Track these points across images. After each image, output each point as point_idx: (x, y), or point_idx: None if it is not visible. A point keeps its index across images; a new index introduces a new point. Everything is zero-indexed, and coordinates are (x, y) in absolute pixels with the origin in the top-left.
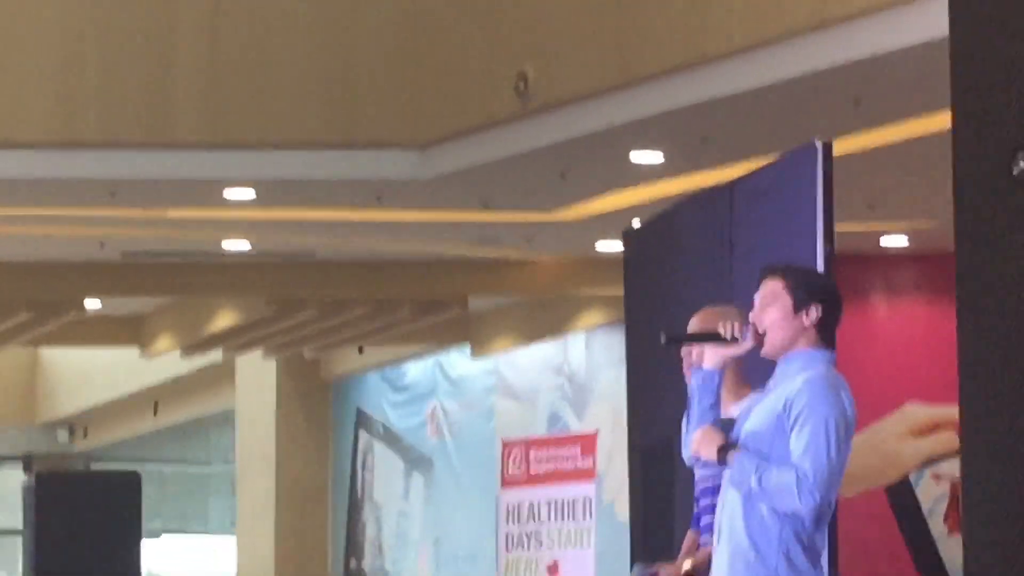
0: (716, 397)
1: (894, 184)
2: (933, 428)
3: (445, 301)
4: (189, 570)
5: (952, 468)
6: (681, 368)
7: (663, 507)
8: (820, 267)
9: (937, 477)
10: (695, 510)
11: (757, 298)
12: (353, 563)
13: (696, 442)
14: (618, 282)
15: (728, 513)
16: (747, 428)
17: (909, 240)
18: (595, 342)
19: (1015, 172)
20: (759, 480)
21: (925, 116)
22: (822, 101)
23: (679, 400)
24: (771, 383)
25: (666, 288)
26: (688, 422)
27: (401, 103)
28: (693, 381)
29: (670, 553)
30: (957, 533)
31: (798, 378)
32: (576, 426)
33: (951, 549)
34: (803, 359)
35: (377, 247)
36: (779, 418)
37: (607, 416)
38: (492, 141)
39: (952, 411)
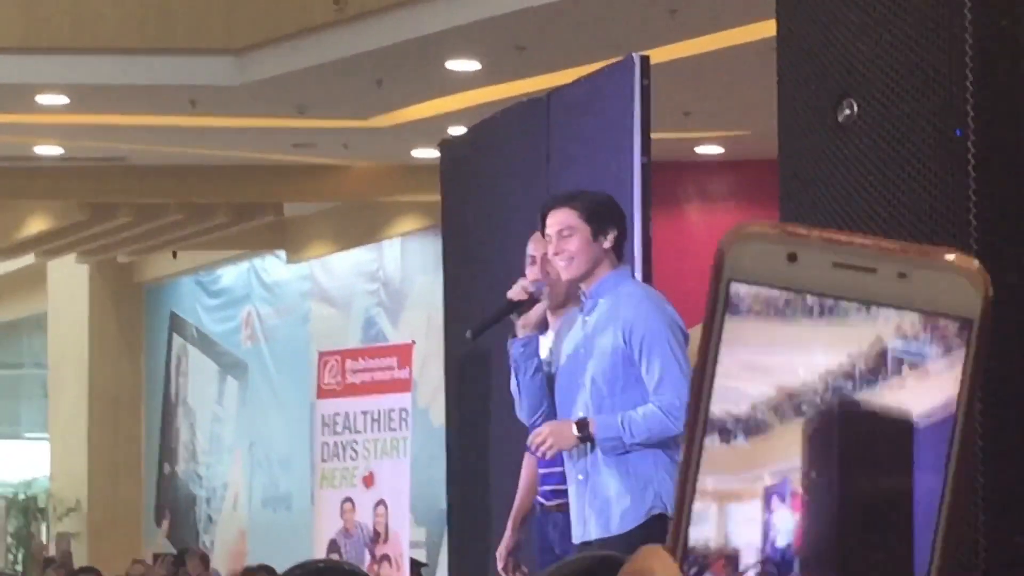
0: (538, 360)
1: (709, 93)
2: None
3: (260, 206)
4: (0, 475)
5: None
6: (497, 276)
7: (478, 419)
8: (637, 179)
9: None
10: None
11: (551, 229)
12: (167, 467)
13: (548, 443)
14: (433, 189)
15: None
16: (593, 369)
17: (724, 148)
18: (410, 248)
19: (840, 119)
20: (630, 430)
21: (740, 26)
22: (638, 11)
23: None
24: (587, 315)
25: (483, 199)
26: (519, 393)
27: (216, 8)
28: (514, 352)
29: (484, 464)
30: None
31: (623, 307)
32: (391, 332)
33: None
34: (612, 283)
35: (192, 152)
36: (622, 353)
37: (421, 322)
38: (308, 47)
39: None
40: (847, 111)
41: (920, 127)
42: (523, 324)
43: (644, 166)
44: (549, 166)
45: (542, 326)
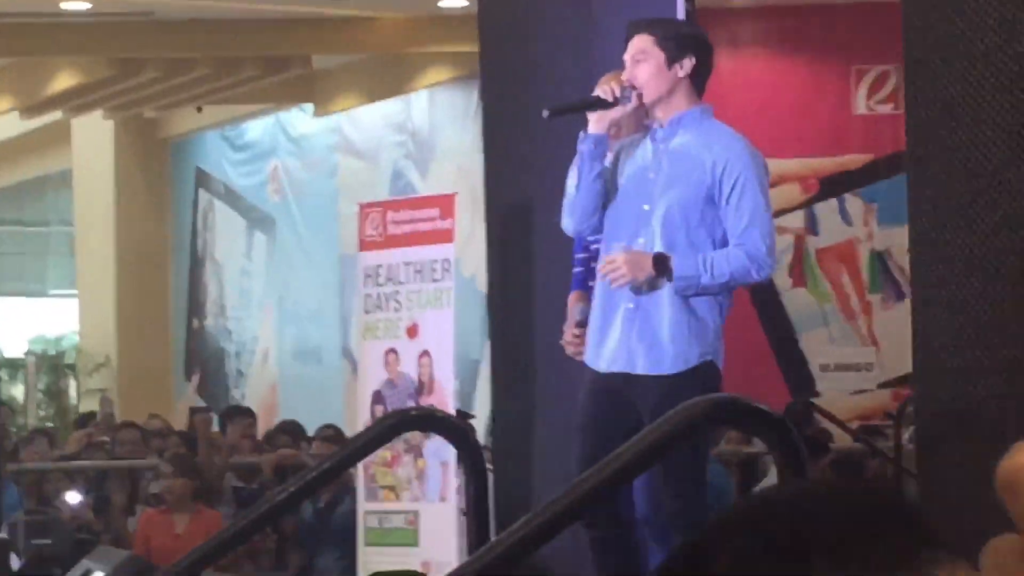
0: (603, 163)
1: None
2: (777, 181)
3: (288, 60)
4: (30, 332)
5: (795, 220)
6: (541, 132)
7: (521, 269)
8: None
9: (781, 230)
10: (577, 271)
11: (627, 56)
12: (195, 322)
13: (621, 271)
14: (462, 39)
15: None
16: (670, 199)
17: None
18: (438, 100)
19: None
20: (711, 271)
21: None
22: None
23: (540, 164)
24: (663, 142)
25: (526, 46)
26: (577, 192)
27: None
28: (585, 147)
29: (528, 315)
30: (800, 285)
31: (715, 143)
32: (420, 184)
33: (793, 300)
34: (695, 116)
35: (220, 6)
36: (707, 188)
37: (451, 174)
38: None
39: (793, 164)
40: None
41: None
42: (598, 119)
43: (689, 13)
44: (593, 20)
45: (615, 132)
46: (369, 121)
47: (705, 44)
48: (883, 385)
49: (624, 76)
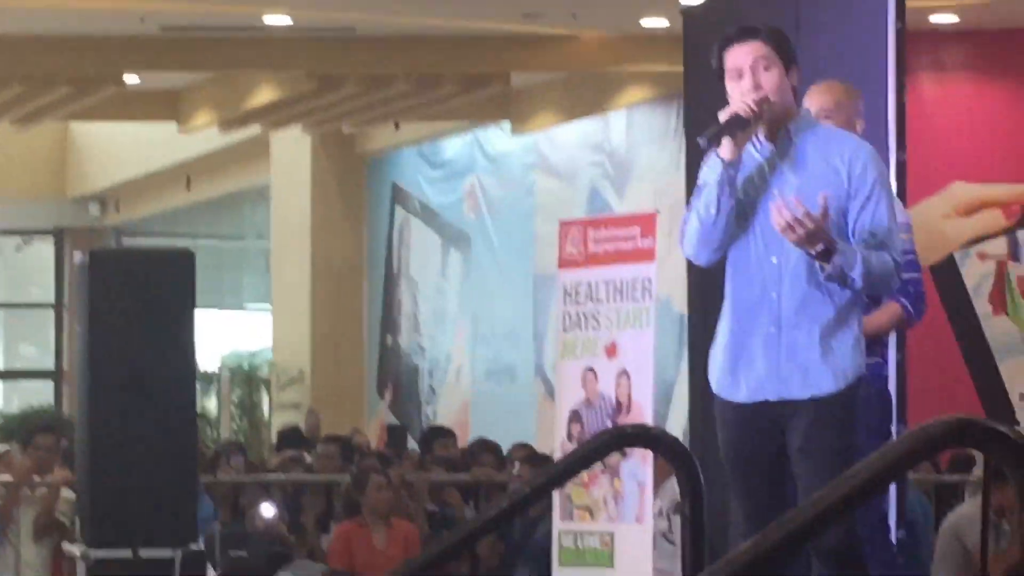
0: (737, 188)
1: None
2: (979, 207)
3: (487, 77)
4: (224, 346)
5: (997, 247)
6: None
7: (722, 289)
8: (891, 45)
9: (983, 256)
10: None
11: (744, 60)
12: (389, 339)
13: (802, 223)
14: (661, 59)
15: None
16: (805, 204)
17: (959, 17)
18: (636, 119)
19: None
20: (864, 270)
21: None
22: None
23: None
24: (779, 157)
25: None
26: (717, 217)
27: None
28: (723, 174)
29: None
30: (1001, 312)
31: (843, 146)
32: (616, 203)
33: (994, 328)
34: (807, 122)
35: (421, 23)
36: (845, 195)
37: (648, 194)
38: None
39: (996, 189)
40: None
41: None
42: (732, 142)
43: (899, 32)
44: (799, 33)
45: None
46: (566, 140)
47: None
48: None
49: (747, 86)
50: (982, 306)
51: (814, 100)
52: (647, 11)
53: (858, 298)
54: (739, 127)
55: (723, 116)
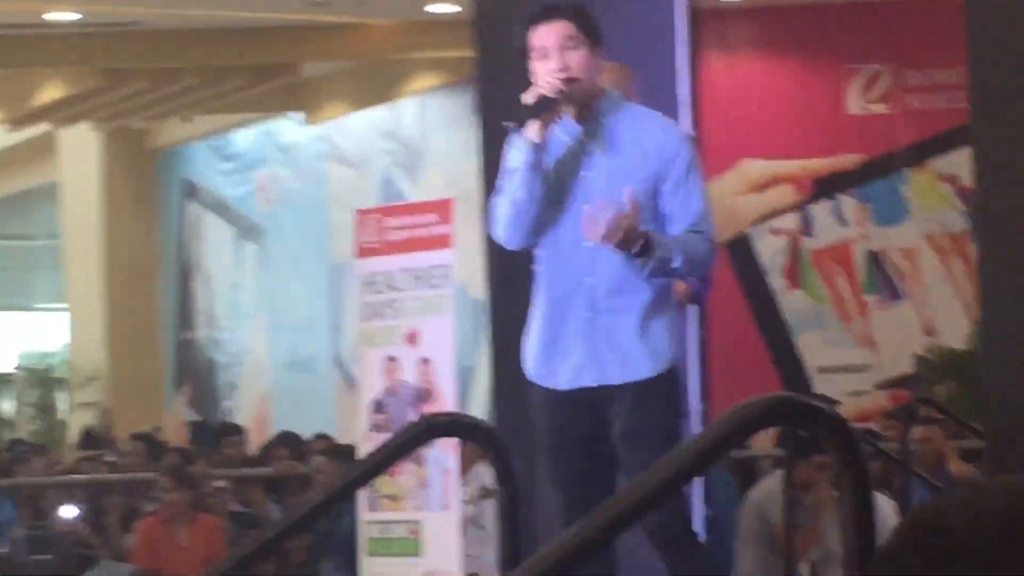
0: (544, 169)
1: None
2: (771, 183)
3: (277, 68)
4: (19, 347)
5: (790, 222)
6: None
7: (520, 274)
8: (680, 25)
9: (776, 232)
10: None
11: (551, 42)
12: (185, 334)
13: (610, 225)
14: (451, 45)
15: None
16: (615, 188)
17: None
18: (428, 106)
19: None
20: (684, 257)
21: None
22: None
23: None
24: (586, 136)
25: (522, 56)
26: (528, 200)
27: None
28: (529, 157)
29: (527, 323)
30: (796, 286)
31: (652, 128)
32: (410, 191)
33: (789, 302)
34: (615, 102)
35: (207, 15)
36: (654, 177)
37: (440, 180)
38: None
39: (787, 165)
40: None
41: None
42: (538, 124)
43: (689, 13)
44: (591, 7)
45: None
46: (358, 129)
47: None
48: (880, 386)
49: (554, 66)
50: (777, 281)
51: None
52: None
53: (673, 280)
54: (546, 108)
55: (529, 97)
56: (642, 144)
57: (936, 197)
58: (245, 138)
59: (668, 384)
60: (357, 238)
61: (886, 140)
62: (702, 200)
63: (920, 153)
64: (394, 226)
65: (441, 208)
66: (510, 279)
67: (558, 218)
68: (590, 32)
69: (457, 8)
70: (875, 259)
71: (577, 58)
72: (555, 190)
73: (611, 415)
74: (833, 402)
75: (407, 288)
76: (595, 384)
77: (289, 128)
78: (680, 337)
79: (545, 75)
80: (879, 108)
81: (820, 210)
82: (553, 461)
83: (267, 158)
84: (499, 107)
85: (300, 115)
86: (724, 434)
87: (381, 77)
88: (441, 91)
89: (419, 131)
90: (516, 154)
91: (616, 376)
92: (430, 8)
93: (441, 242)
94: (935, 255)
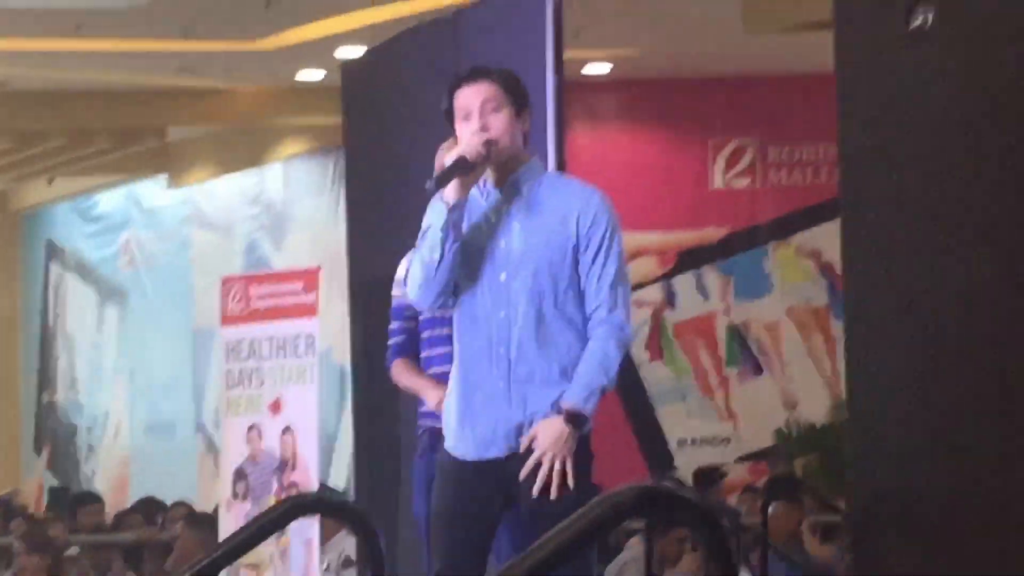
0: (462, 232)
1: (599, 12)
2: (635, 255)
3: (142, 131)
4: None
5: (653, 294)
6: (405, 201)
7: (385, 342)
8: (551, 98)
9: (639, 304)
10: (399, 339)
11: (472, 101)
12: (46, 396)
13: (548, 442)
14: (318, 111)
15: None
16: (534, 265)
17: (612, 67)
18: (293, 172)
19: (912, 27)
20: (611, 376)
21: None
22: None
23: (404, 236)
24: (508, 203)
25: (389, 123)
26: (440, 265)
27: None
28: (449, 217)
29: (392, 391)
30: (658, 358)
31: (572, 197)
32: (274, 256)
33: (651, 373)
34: (537, 170)
35: (76, 78)
36: (572, 247)
37: (305, 246)
38: None
39: (651, 237)
40: (920, 19)
41: (1008, 34)
42: (458, 185)
43: (557, 85)
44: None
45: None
46: (223, 193)
47: (529, 99)
48: (741, 459)
49: (474, 128)
50: (639, 353)
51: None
52: (303, 64)
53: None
54: (465, 170)
55: (449, 159)
56: (561, 213)
57: (798, 272)
58: (109, 200)
59: (582, 457)
60: (222, 305)
61: (749, 214)
62: (616, 274)
63: (783, 228)
64: (260, 294)
65: (307, 277)
66: (375, 347)
67: (473, 283)
68: (514, 95)
69: (323, 75)
70: (737, 333)
71: (498, 120)
72: (470, 255)
73: (522, 488)
74: (718, 472)
75: (271, 356)
76: (504, 455)
77: (153, 191)
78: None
79: (466, 137)
80: (743, 182)
81: (683, 283)
82: (442, 530)
83: (131, 221)
84: (365, 174)
85: (164, 178)
86: (591, 526)
87: (247, 142)
88: (308, 157)
89: (284, 197)
90: (433, 215)
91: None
92: (300, 75)
93: (306, 311)
94: (796, 329)
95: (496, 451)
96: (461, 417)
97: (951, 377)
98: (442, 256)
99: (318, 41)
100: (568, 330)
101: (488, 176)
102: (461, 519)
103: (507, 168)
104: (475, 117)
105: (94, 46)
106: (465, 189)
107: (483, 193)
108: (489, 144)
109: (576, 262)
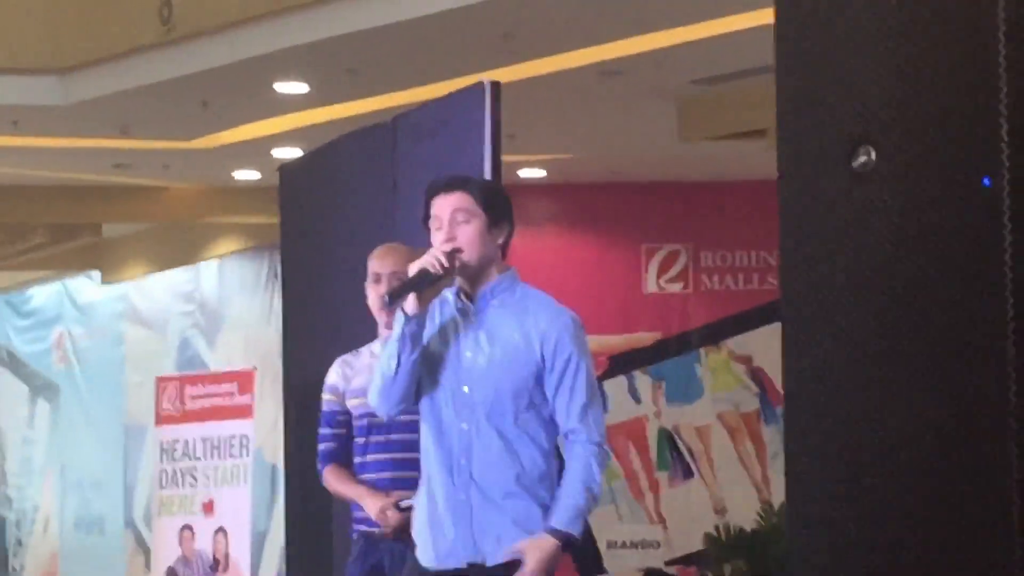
0: (422, 343)
1: (535, 117)
2: None
3: (77, 227)
4: None
5: None
6: (341, 303)
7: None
8: None
9: None
10: (328, 446)
11: (445, 213)
12: None
13: (538, 563)
14: (253, 211)
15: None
16: (495, 382)
17: (546, 172)
18: (228, 270)
19: (855, 166)
20: (596, 496)
21: (572, 51)
22: (472, 34)
23: (341, 337)
24: (475, 316)
25: (326, 225)
26: (397, 375)
27: (41, 27)
28: (406, 329)
29: (326, 496)
30: None
31: (540, 315)
32: (207, 355)
33: None
34: (508, 283)
35: (10, 173)
36: (536, 366)
37: (239, 344)
38: (134, 68)
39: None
40: (863, 158)
41: (947, 175)
42: (418, 297)
43: None
44: (396, 191)
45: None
46: (157, 290)
47: (512, 212)
48: (670, 563)
49: (443, 237)
50: None
51: (373, 263)
52: (239, 164)
53: (549, 464)
54: (424, 283)
55: (412, 269)
56: (527, 332)
57: (729, 377)
58: (42, 295)
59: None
60: (157, 405)
61: (682, 319)
62: (587, 397)
63: (715, 333)
64: (195, 395)
65: (243, 379)
66: (308, 447)
67: (434, 390)
68: (489, 206)
69: (259, 175)
70: (668, 437)
71: (467, 232)
72: (434, 362)
73: None
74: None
75: (205, 457)
76: (467, 564)
77: (87, 286)
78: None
79: (434, 247)
80: (675, 287)
81: (615, 386)
82: None
83: (64, 316)
84: (300, 274)
85: (97, 274)
86: None
87: (182, 239)
88: (242, 255)
89: (218, 294)
90: (396, 325)
91: (490, 557)
92: (236, 174)
93: (241, 412)
94: (727, 434)
95: (454, 562)
96: (427, 525)
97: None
98: (399, 365)
99: (254, 142)
100: (531, 446)
101: (453, 287)
102: None
103: (477, 280)
104: (444, 227)
105: (30, 142)
106: (424, 301)
107: (446, 305)
108: (452, 256)
109: (541, 382)
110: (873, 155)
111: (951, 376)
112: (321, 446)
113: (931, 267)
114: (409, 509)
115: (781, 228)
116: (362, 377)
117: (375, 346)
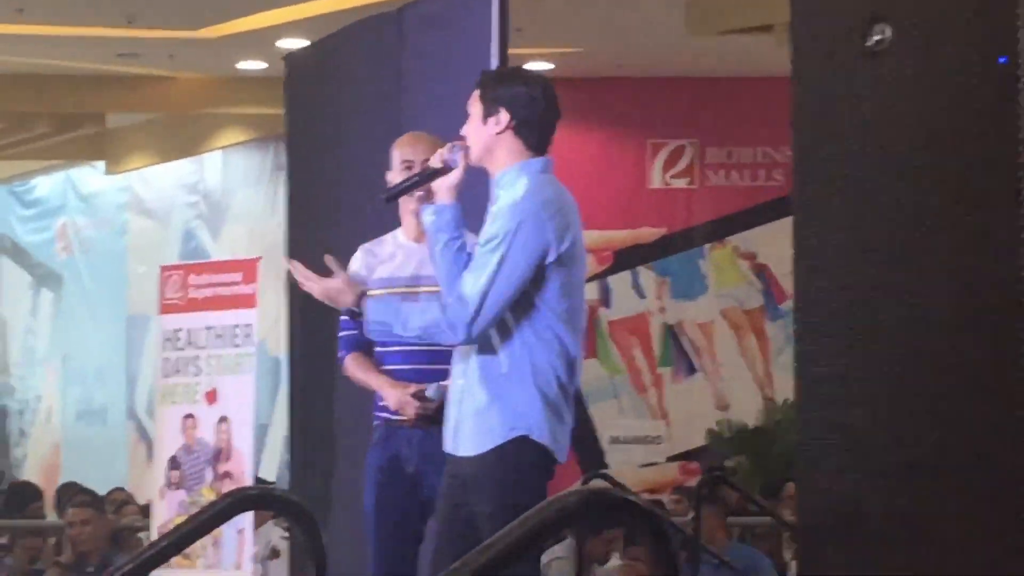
0: (460, 231)
1: (542, 9)
2: None
3: (81, 117)
4: None
5: (588, 292)
6: (347, 194)
7: (324, 335)
8: None
9: None
10: (351, 333)
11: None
12: None
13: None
14: (258, 102)
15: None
16: None
17: (553, 65)
18: (232, 161)
19: (869, 44)
20: (403, 324)
21: None
22: None
23: (345, 228)
24: (490, 205)
25: (331, 116)
26: (440, 269)
27: None
28: (429, 220)
29: (329, 385)
30: (592, 356)
31: (509, 198)
32: (211, 246)
33: (585, 370)
34: (513, 175)
35: (16, 61)
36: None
37: (242, 236)
38: None
39: (589, 236)
40: (878, 36)
41: (962, 53)
42: (445, 189)
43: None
44: (401, 82)
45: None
46: (161, 181)
47: (523, 96)
48: (672, 458)
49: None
50: None
51: (405, 150)
52: (244, 54)
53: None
54: (430, 178)
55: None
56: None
57: (733, 273)
58: (46, 185)
59: (505, 460)
60: (161, 293)
61: (687, 215)
62: (477, 269)
63: (719, 229)
64: (198, 284)
65: (246, 267)
66: (312, 338)
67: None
68: (484, 97)
69: (265, 65)
70: (671, 332)
71: (467, 127)
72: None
73: (472, 491)
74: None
75: (208, 346)
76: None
77: (91, 177)
78: (527, 408)
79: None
80: (680, 183)
81: (619, 282)
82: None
83: (67, 206)
84: (305, 165)
85: (101, 164)
86: (537, 529)
87: (186, 130)
88: (246, 147)
89: (222, 186)
90: (431, 231)
91: (456, 447)
92: (240, 65)
93: (244, 302)
94: (730, 330)
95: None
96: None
97: (897, 389)
98: (435, 261)
99: (260, 31)
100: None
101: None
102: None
103: (490, 170)
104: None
105: (35, 30)
106: (450, 193)
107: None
108: (452, 148)
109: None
110: (889, 32)
111: (966, 259)
112: (342, 332)
113: (946, 146)
114: (428, 399)
115: (794, 108)
116: (386, 267)
117: (399, 234)
